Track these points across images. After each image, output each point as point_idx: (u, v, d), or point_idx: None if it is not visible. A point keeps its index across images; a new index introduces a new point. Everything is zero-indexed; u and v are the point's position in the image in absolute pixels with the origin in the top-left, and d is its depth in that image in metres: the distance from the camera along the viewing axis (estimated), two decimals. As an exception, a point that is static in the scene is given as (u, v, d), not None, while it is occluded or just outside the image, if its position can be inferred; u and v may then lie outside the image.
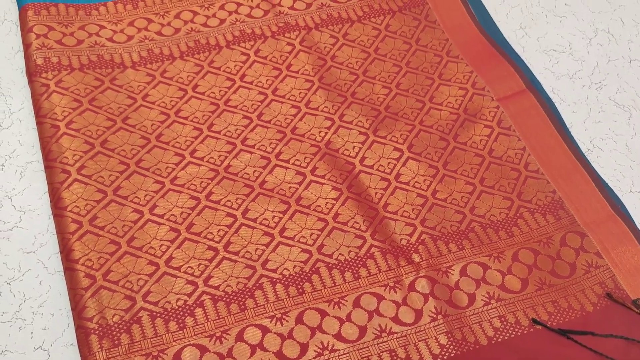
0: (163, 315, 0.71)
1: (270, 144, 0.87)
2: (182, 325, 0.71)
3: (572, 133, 0.93)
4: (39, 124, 0.84)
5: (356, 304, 0.74)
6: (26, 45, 0.92)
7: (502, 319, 0.74)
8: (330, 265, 0.77)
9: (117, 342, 0.69)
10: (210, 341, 0.70)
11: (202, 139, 0.87)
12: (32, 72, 0.88)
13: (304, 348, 0.71)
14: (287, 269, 0.76)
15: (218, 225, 0.79)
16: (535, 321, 0.74)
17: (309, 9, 1.03)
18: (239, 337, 0.71)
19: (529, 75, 0.98)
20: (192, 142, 0.86)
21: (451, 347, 0.72)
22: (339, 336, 0.72)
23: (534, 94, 0.95)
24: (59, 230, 0.76)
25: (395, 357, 0.71)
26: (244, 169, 0.85)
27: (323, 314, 0.73)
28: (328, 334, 0.72)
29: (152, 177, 0.82)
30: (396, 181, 0.85)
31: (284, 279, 0.76)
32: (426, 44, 1.01)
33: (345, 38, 1.00)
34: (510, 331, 0.74)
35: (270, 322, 0.72)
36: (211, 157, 0.85)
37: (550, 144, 0.90)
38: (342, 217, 0.81)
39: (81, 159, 0.82)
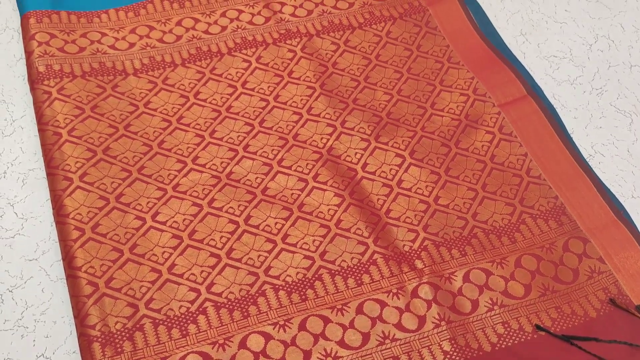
0: (166, 323, 0.71)
1: (272, 150, 0.87)
2: (184, 332, 0.71)
3: (573, 139, 0.93)
4: (41, 131, 0.84)
5: (359, 310, 0.74)
6: (28, 53, 0.92)
7: (506, 325, 0.74)
8: (333, 271, 0.77)
9: (119, 349, 0.68)
10: (213, 349, 0.70)
11: (204, 145, 0.87)
12: (34, 80, 0.89)
13: (307, 355, 0.71)
14: (290, 276, 0.76)
15: (220, 232, 0.79)
16: (538, 327, 0.74)
17: (310, 16, 1.03)
18: (242, 345, 0.71)
19: (530, 81, 0.98)
20: (194, 149, 0.86)
21: (455, 353, 0.72)
22: (342, 343, 0.72)
23: (535, 100, 0.95)
24: (61, 237, 0.76)
25: (398, 364, 0.71)
26: (246, 176, 0.85)
27: (326, 320, 0.73)
28: (331, 340, 0.72)
29: (155, 184, 0.82)
30: (398, 187, 0.85)
31: (287, 285, 0.76)
32: (427, 51, 1.01)
33: (346, 45, 1.01)
34: (513, 337, 0.74)
35: (273, 329, 0.72)
36: (213, 164, 0.85)
37: (552, 149, 0.90)
38: (344, 223, 0.81)
39: (83, 166, 0.82)
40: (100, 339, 0.69)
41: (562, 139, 0.91)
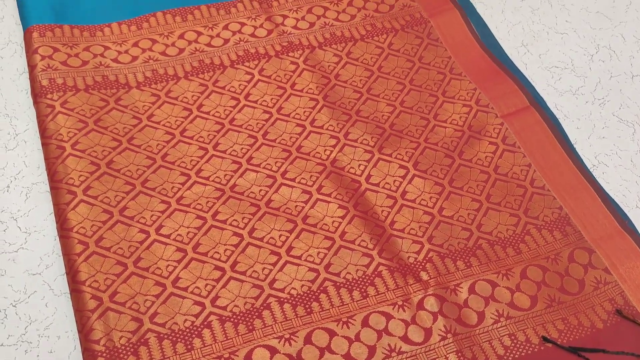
0: (170, 337, 0.71)
1: (276, 162, 0.87)
2: (189, 346, 0.70)
3: (576, 149, 0.93)
4: (45, 145, 0.84)
5: (365, 323, 0.74)
6: (31, 67, 0.92)
7: (512, 337, 0.74)
8: (338, 284, 0.77)
9: (124, 364, 0.68)
10: (218, 363, 0.70)
11: (207, 158, 0.87)
12: (37, 94, 0.89)
13: (313, 369, 0.70)
14: (295, 289, 0.76)
15: (225, 244, 0.79)
16: (545, 339, 0.74)
17: (312, 28, 1.04)
18: (247, 359, 0.70)
19: (532, 91, 0.98)
20: (198, 162, 0.86)
21: (461, 366, 0.71)
22: (348, 356, 0.71)
23: (537, 111, 0.95)
24: (65, 251, 0.76)
25: (405, 377, 0.70)
26: (249, 188, 0.84)
27: (332, 333, 0.73)
28: (337, 354, 0.71)
29: (158, 197, 0.82)
30: (402, 199, 0.85)
31: (292, 298, 0.75)
32: (429, 62, 1.02)
33: (348, 57, 1.01)
34: (520, 349, 0.73)
35: (279, 342, 0.72)
36: (217, 177, 0.85)
37: (556, 160, 0.90)
38: (349, 235, 0.81)
39: (87, 180, 0.81)
40: (104, 354, 0.68)
41: (565, 150, 0.91)
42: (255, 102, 0.94)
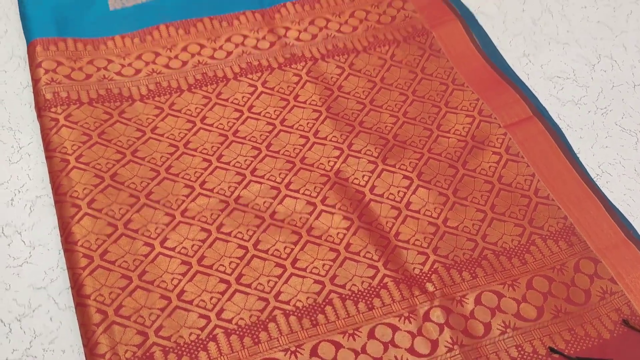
0: (176, 351, 0.70)
1: (280, 174, 0.87)
2: (195, 360, 0.70)
3: (580, 158, 0.93)
4: (49, 158, 0.84)
5: (371, 335, 0.74)
6: (35, 81, 0.92)
7: (519, 348, 0.73)
8: (343, 296, 0.77)
9: (129, 378, 0.68)
10: (224, 376, 0.69)
11: (211, 170, 0.87)
12: (41, 107, 0.89)
13: (319, 381, 0.70)
14: (300, 301, 0.76)
15: (229, 257, 0.79)
16: (552, 350, 0.73)
17: (314, 40, 1.04)
18: (254, 372, 0.70)
19: (535, 101, 0.98)
20: (202, 174, 0.86)
21: (469, 378, 0.71)
22: (354, 369, 0.71)
23: (540, 121, 0.95)
24: (69, 265, 0.75)
25: (412, 390, 0.70)
26: (254, 200, 0.84)
27: (338, 346, 0.72)
28: (343, 366, 0.71)
29: (163, 210, 0.82)
30: (407, 209, 0.85)
31: (297, 310, 0.75)
32: (431, 73, 1.02)
33: (351, 68, 1.01)
34: (527, 360, 0.73)
35: (285, 355, 0.71)
36: (221, 189, 0.85)
37: (559, 169, 0.90)
38: (353, 247, 0.81)
39: (91, 193, 0.81)
40: (110, 368, 0.68)
41: (569, 159, 0.91)
42: (259, 114, 0.94)
